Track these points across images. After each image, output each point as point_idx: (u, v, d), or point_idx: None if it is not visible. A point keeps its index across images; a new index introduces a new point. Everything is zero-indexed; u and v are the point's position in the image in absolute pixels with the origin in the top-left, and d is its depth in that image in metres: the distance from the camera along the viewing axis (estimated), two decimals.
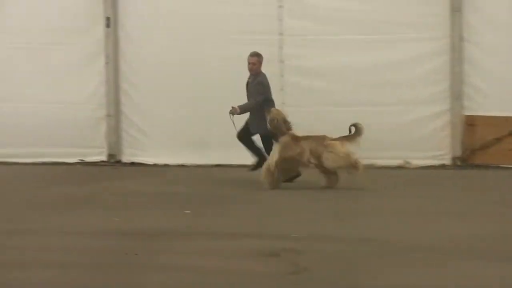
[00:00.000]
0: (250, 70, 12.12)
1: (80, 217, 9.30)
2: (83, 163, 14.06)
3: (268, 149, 11.75)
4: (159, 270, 6.53)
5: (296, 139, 11.46)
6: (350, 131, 11.59)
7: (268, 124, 11.42)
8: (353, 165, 11.34)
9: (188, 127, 14.21)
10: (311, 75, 13.99)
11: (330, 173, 11.52)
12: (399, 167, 13.71)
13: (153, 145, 14.30)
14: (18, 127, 14.64)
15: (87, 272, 6.56)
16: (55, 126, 14.53)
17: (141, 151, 14.31)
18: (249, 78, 12.14)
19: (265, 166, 11.41)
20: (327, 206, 9.96)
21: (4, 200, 10.71)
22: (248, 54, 12.13)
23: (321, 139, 11.50)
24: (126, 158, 14.41)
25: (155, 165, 13.98)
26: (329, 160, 11.35)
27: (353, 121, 11.58)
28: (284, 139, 11.40)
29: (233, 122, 11.77)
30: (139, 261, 6.94)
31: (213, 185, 11.71)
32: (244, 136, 12.08)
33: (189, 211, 9.55)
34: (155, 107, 14.27)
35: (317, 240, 7.74)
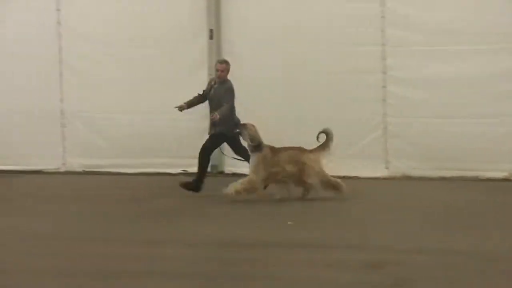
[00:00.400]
0: (218, 77, 12.37)
1: (185, 227, 9.56)
2: (186, 174, 14.34)
3: (239, 149, 12.28)
4: (263, 280, 6.68)
5: (275, 152, 11.66)
6: (318, 139, 11.72)
7: (246, 140, 11.69)
8: (334, 186, 11.54)
9: (289, 140, 14.30)
10: (414, 86, 13.92)
11: (306, 185, 11.64)
12: (505, 179, 13.48)
13: None
14: (123, 138, 15.06)
15: (200, 282, 6.74)
16: (158, 136, 14.87)
17: (242, 162, 14.49)
18: (213, 84, 12.44)
19: (247, 184, 11.47)
20: (424, 218, 9.94)
21: (110, 211, 11.05)
22: (217, 60, 12.63)
23: (299, 152, 11.66)
24: (228, 168, 14.62)
25: None
26: (310, 177, 11.53)
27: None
28: (264, 153, 11.58)
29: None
30: (244, 271, 7.10)
31: (315, 196, 11.79)
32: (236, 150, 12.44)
33: (292, 222, 9.67)
34: (256, 118, 14.40)
35: (419, 252, 7.76)
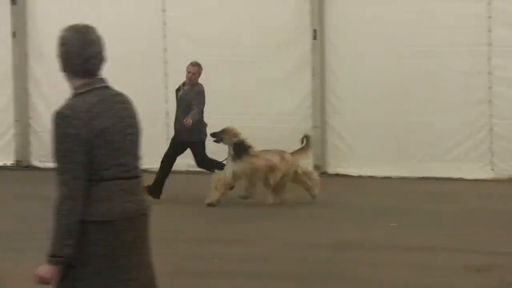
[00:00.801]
0: (190, 79, 12.22)
1: (285, 227, 9.71)
2: None
3: (203, 157, 12.09)
4: (363, 282, 6.75)
5: (257, 155, 11.66)
6: (302, 142, 11.97)
7: (229, 145, 11.59)
8: (313, 185, 11.64)
9: (393, 139, 14.33)
10: None
11: (279, 190, 11.64)
12: None
13: (358, 157, 14.53)
14: None
15: (297, 283, 6.87)
16: (260, 137, 15.00)
17: (346, 162, 14.58)
18: (183, 87, 12.31)
19: (221, 179, 11.48)
20: None
21: (203, 211, 11.32)
22: (190, 63, 12.41)
23: (280, 155, 11.72)
24: (331, 169, 14.73)
25: (359, 177, 14.22)
26: (290, 177, 11.61)
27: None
28: (249, 155, 11.52)
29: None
30: (341, 272, 7.18)
31: (418, 198, 11.80)
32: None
33: (395, 224, 9.70)
34: (360, 119, 14.49)
35: None
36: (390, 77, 14.40)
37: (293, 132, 14.73)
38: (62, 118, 4.12)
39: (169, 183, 12.49)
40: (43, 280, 4.08)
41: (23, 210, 11.53)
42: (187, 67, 12.33)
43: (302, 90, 14.84)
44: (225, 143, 11.63)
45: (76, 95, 4.21)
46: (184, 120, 11.69)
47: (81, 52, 4.24)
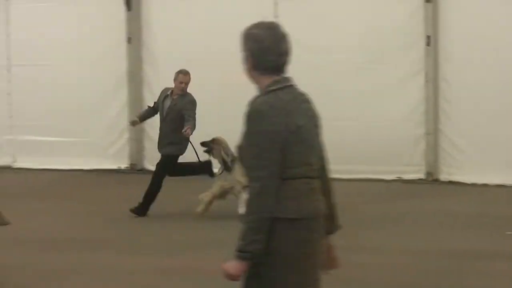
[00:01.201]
0: (181, 89, 11.64)
1: (398, 235, 9.70)
2: (401, 181, 14.43)
3: (178, 170, 11.77)
4: None
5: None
6: None
7: (218, 157, 11.29)
8: None
9: (507, 146, 14.11)
10: None
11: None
12: None
13: (471, 164, 14.38)
14: (338, 144, 15.28)
15: None
16: (373, 143, 14.99)
17: (459, 169, 14.44)
18: (171, 96, 11.72)
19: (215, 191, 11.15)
20: None
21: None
22: (179, 72, 11.80)
23: None
24: (443, 176, 14.61)
25: (473, 185, 14.05)
26: None
27: None
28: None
29: (193, 146, 11.64)
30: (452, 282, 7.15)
31: None
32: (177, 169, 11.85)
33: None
34: (474, 126, 14.34)
35: None
36: (503, 82, 14.21)
37: (406, 138, 14.69)
38: (258, 115, 4.13)
39: None
40: (230, 276, 4.08)
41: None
42: (177, 76, 11.71)
43: (415, 96, 14.76)
44: (214, 154, 11.39)
45: (267, 92, 4.22)
46: (184, 131, 11.21)
47: (275, 48, 4.29)
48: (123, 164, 16.47)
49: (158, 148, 11.91)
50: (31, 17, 17.31)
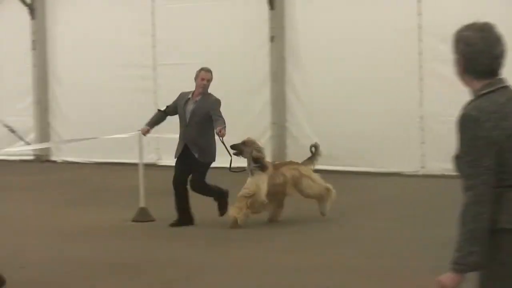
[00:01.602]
0: (204, 87, 10.95)
1: None
2: None
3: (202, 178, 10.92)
4: None
5: (276, 167, 11.07)
6: (312, 152, 11.34)
7: (249, 159, 10.81)
8: (327, 194, 11.01)
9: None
10: None
11: (279, 205, 11.12)
12: None
13: None
14: None
15: None
16: None
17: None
18: (192, 99, 10.99)
19: (253, 199, 10.61)
20: None
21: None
22: (201, 69, 11.15)
23: (295, 166, 11.17)
24: None
25: None
26: (310, 189, 11.00)
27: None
28: (269, 168, 10.89)
29: (226, 146, 10.90)
30: None
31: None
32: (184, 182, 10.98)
33: None
34: None
35: None
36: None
37: None
38: (470, 121, 3.95)
39: (425, 188, 12.50)
40: None
41: None
42: (199, 73, 11.05)
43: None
44: (245, 156, 10.92)
45: (479, 96, 4.04)
46: (217, 132, 10.57)
47: (488, 51, 4.09)
48: None
49: (178, 150, 11.06)
50: (176, 17, 17.84)
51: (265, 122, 16.69)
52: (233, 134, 16.84)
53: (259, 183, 10.60)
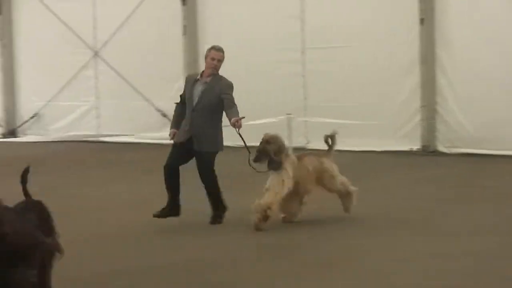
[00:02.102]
0: (214, 67, 9.96)
1: None
2: None
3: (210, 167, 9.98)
4: None
5: (299, 158, 10.01)
6: (328, 143, 10.26)
7: (266, 153, 9.66)
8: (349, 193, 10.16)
9: None
10: None
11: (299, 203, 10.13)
12: None
13: None
14: None
15: None
16: None
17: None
18: (198, 80, 10.06)
19: (276, 197, 9.59)
20: None
21: None
22: (212, 47, 10.16)
23: (317, 158, 10.09)
24: None
25: None
26: (331, 184, 10.08)
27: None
28: (291, 161, 9.81)
29: (242, 138, 9.80)
30: None
31: None
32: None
33: None
34: None
35: None
36: None
37: None
38: None
39: None
40: None
41: (420, 193, 11.98)
42: (209, 52, 10.09)
43: None
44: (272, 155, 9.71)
45: None
46: (234, 121, 9.55)
47: None
48: (415, 146, 16.59)
49: (180, 134, 10.07)
50: (324, 0, 17.95)
51: (414, 105, 16.61)
52: (382, 117, 17.03)
53: (277, 188, 9.64)
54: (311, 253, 8.58)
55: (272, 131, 10.05)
